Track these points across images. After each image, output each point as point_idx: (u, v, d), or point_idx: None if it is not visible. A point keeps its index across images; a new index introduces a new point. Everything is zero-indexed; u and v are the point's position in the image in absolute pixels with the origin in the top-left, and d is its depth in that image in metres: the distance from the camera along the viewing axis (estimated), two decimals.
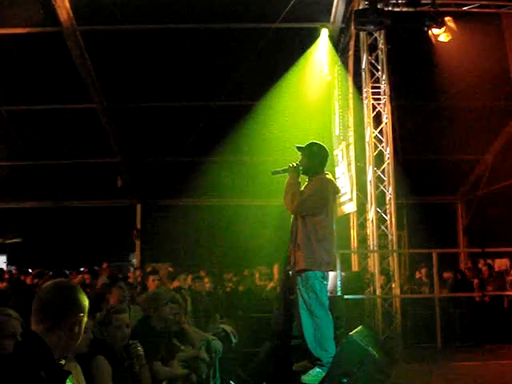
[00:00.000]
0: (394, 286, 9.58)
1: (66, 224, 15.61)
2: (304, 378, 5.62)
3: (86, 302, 2.63)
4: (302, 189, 5.85)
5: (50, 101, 12.56)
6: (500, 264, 13.96)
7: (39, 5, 10.19)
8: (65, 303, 2.56)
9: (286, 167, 5.87)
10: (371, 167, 9.94)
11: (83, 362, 3.82)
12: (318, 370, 5.55)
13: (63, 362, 2.53)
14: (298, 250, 5.73)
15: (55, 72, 11.58)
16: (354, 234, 11.78)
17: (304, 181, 5.94)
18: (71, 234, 15.47)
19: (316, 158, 5.92)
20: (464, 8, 10.07)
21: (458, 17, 10.02)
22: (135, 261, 16.13)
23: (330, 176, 6.00)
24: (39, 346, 2.43)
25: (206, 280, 9.60)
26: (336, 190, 6.09)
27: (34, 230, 15.58)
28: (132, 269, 13.67)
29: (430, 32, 9.90)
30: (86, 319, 2.63)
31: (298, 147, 5.96)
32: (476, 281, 11.21)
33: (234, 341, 7.61)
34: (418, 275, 11.97)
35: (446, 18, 9.84)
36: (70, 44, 10.90)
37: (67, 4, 10.17)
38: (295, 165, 5.85)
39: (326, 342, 5.62)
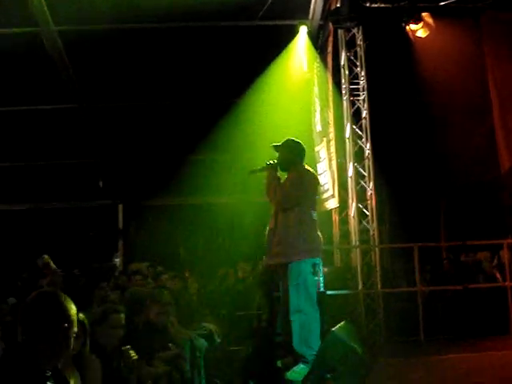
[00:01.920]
0: (376, 280, 9.62)
1: (47, 226, 15.50)
2: (289, 374, 5.64)
3: (71, 311, 2.62)
4: (282, 182, 5.90)
5: (29, 102, 12.47)
6: (481, 257, 14.08)
7: (14, 5, 10.10)
8: (46, 314, 2.55)
9: (264, 166, 5.92)
10: (351, 163, 9.99)
11: (75, 360, 3.80)
12: (302, 366, 5.58)
13: (49, 373, 2.52)
14: (280, 244, 5.75)
15: (34, 73, 11.49)
16: (336, 229, 11.83)
17: (284, 177, 5.99)
18: (53, 236, 15.36)
19: (293, 152, 6.00)
20: (441, 3, 10.14)
21: (435, 12, 10.09)
22: (118, 261, 16.05)
23: (308, 167, 6.05)
24: (20, 357, 2.44)
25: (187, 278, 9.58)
26: (316, 181, 6.15)
27: (14, 233, 15.43)
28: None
29: (407, 28, 9.97)
30: (74, 329, 2.61)
31: (274, 146, 6.03)
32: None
33: (217, 340, 7.61)
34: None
35: (424, 14, 9.91)
36: (47, 44, 10.83)
37: (44, 4, 10.10)
38: (272, 162, 5.90)
39: (312, 339, 5.64)
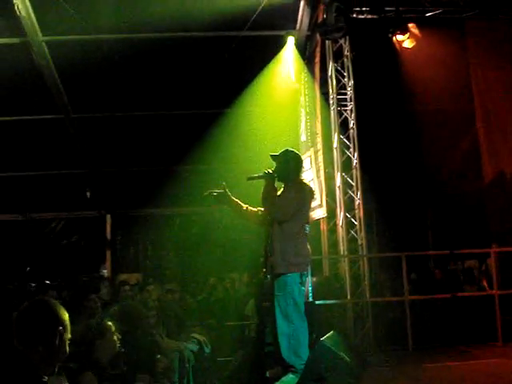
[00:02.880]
0: (364, 290, 9.65)
1: (35, 236, 15.43)
2: None
3: (64, 315, 2.70)
4: (279, 194, 5.89)
5: (17, 112, 12.42)
6: (469, 265, 14.16)
7: (1, 15, 10.09)
8: (41, 319, 2.62)
9: (262, 173, 5.89)
10: (339, 173, 10.04)
11: (71, 377, 3.81)
12: (291, 376, 5.56)
13: (46, 378, 2.57)
14: (274, 255, 5.75)
15: (21, 83, 11.46)
16: (324, 239, 11.85)
17: (280, 187, 5.98)
18: (41, 247, 15.30)
19: (291, 164, 5.96)
20: (427, 14, 10.24)
21: (421, 23, 10.19)
22: (106, 272, 15.99)
23: (305, 180, 6.07)
24: (19, 363, 2.48)
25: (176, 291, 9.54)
26: (312, 194, 6.16)
27: (2, 243, 15.34)
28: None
29: (394, 38, 10.06)
30: (68, 334, 2.67)
31: (272, 155, 5.99)
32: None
33: (207, 350, 7.61)
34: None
35: (410, 25, 10.00)
36: (35, 54, 10.82)
37: (32, 14, 10.10)
38: (271, 171, 5.88)
39: (301, 348, 5.62)
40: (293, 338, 5.60)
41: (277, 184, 5.94)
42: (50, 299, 2.81)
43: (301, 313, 5.70)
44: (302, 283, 5.78)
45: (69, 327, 2.70)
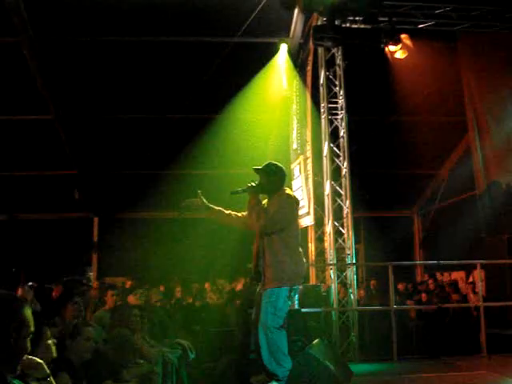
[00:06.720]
0: (351, 298, 9.64)
1: (21, 237, 15.31)
2: None
3: (24, 312, 2.53)
4: (266, 206, 5.88)
5: (6, 112, 12.35)
6: (457, 276, 14.20)
7: None
8: None
9: (245, 187, 5.88)
10: (328, 181, 10.04)
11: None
12: None
13: (9, 378, 2.49)
14: (269, 269, 5.72)
15: (11, 83, 11.40)
16: (311, 247, 11.85)
17: (264, 198, 5.97)
18: (27, 248, 15.18)
19: (275, 177, 5.96)
20: (420, 26, 10.28)
21: (414, 34, 10.23)
22: (92, 275, 15.91)
23: (289, 190, 6.05)
24: None
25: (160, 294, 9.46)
26: (298, 204, 6.16)
27: None
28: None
29: (386, 49, 10.08)
30: (26, 329, 2.56)
31: (255, 169, 5.99)
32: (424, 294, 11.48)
33: (191, 355, 7.56)
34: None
35: (403, 36, 10.03)
36: (26, 54, 10.76)
37: (24, 14, 10.04)
38: (254, 184, 5.87)
39: (281, 356, 5.60)
40: (272, 346, 5.57)
41: (262, 196, 5.95)
42: (7, 293, 2.63)
43: (280, 324, 5.64)
44: (290, 297, 5.76)
45: (28, 322, 2.55)
